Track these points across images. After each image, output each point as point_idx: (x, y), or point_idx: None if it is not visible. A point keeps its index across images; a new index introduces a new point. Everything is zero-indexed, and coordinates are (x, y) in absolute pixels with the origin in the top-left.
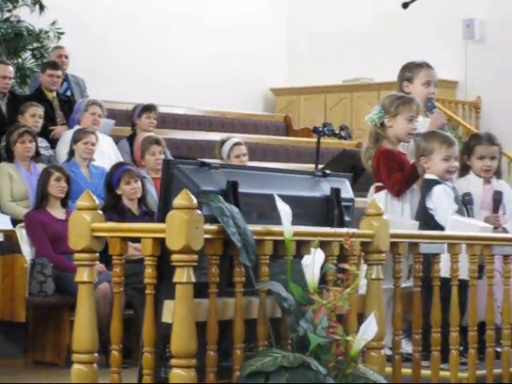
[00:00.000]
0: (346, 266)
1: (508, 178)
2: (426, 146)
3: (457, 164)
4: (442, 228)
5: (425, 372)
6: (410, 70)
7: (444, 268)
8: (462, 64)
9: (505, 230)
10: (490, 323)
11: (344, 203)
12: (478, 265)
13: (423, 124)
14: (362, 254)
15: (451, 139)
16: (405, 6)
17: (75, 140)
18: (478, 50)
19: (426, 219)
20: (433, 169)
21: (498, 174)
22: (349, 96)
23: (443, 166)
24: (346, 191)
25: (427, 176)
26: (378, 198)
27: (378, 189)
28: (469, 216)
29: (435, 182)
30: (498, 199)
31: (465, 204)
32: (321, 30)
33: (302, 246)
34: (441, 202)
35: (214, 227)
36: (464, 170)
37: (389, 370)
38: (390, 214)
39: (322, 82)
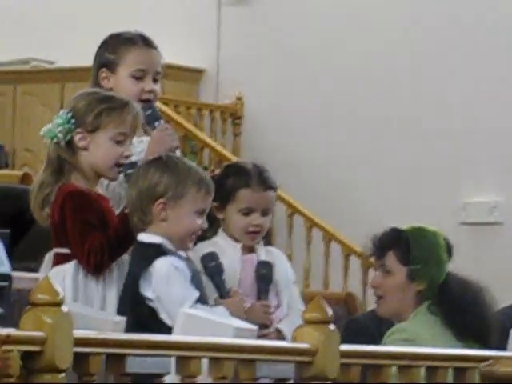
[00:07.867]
0: None
1: (288, 242)
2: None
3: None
4: (169, 330)
5: None
6: (112, 49)
7: None
8: (211, 41)
9: (279, 333)
10: None
11: None
12: None
13: (138, 146)
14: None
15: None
16: None
17: None
18: (240, 17)
19: (141, 315)
20: (174, 227)
21: (267, 236)
22: (9, 91)
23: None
24: None
25: (142, 237)
26: (61, 275)
27: (61, 258)
28: (222, 296)
29: (157, 251)
30: (264, 275)
31: (211, 275)
32: None
33: None
34: (169, 286)
35: None
36: (210, 227)
37: None
38: (81, 303)
39: None
